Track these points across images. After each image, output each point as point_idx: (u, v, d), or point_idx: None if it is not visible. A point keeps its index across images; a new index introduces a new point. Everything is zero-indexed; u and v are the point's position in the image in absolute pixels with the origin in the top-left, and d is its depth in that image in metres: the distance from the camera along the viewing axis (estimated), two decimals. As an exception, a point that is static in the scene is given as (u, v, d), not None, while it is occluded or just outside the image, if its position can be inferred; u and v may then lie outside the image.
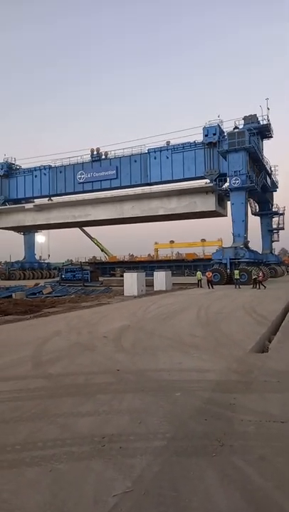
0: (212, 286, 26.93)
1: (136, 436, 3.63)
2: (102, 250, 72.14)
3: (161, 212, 39.59)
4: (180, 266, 58.02)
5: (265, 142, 39.47)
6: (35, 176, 47.37)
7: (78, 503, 2.60)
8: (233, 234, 34.05)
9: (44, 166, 46.66)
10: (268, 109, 36.51)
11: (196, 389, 4.97)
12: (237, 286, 26.46)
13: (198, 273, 29.57)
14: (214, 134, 35.75)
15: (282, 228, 44.87)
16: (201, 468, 3.03)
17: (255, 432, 3.68)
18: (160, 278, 26.45)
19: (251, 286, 26.00)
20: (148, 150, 40.30)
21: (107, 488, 2.76)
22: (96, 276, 38.62)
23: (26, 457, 3.24)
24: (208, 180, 36.84)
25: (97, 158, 43.24)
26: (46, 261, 60.37)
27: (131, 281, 22.38)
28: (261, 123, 36.17)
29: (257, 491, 2.74)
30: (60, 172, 45.47)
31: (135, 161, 41.09)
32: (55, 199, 46.47)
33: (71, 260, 68.21)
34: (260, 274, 26.79)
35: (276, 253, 49.80)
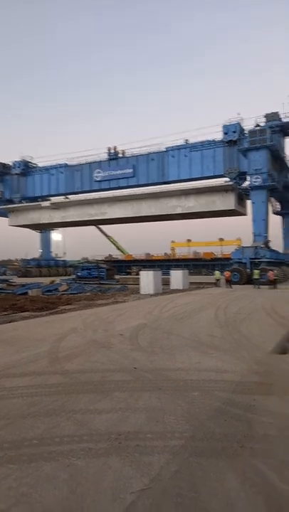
0: (231, 286, 26.67)
1: (153, 434, 3.58)
2: (118, 248, 72.39)
3: (178, 211, 39.42)
4: (197, 265, 57.70)
5: (288, 140, 38.82)
6: (52, 174, 47.85)
7: (96, 499, 2.57)
8: (253, 233, 33.62)
9: (60, 165, 47.08)
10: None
11: (214, 389, 4.88)
12: (256, 287, 26.13)
13: (217, 272, 29.33)
14: (234, 132, 35.34)
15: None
16: (220, 470, 2.95)
17: (277, 435, 3.58)
18: (177, 277, 26.32)
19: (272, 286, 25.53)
20: (166, 148, 40.13)
21: (125, 486, 2.72)
22: (112, 275, 38.71)
23: (44, 452, 3.23)
24: (227, 179, 36.46)
25: (114, 156, 43.35)
26: (62, 258, 61.02)
27: (147, 279, 22.35)
28: (283, 120, 35.52)
29: (280, 497, 2.65)
30: (77, 170, 45.80)
31: (152, 160, 40.98)
32: (72, 197, 46.87)
33: (87, 258, 68.77)
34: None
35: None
